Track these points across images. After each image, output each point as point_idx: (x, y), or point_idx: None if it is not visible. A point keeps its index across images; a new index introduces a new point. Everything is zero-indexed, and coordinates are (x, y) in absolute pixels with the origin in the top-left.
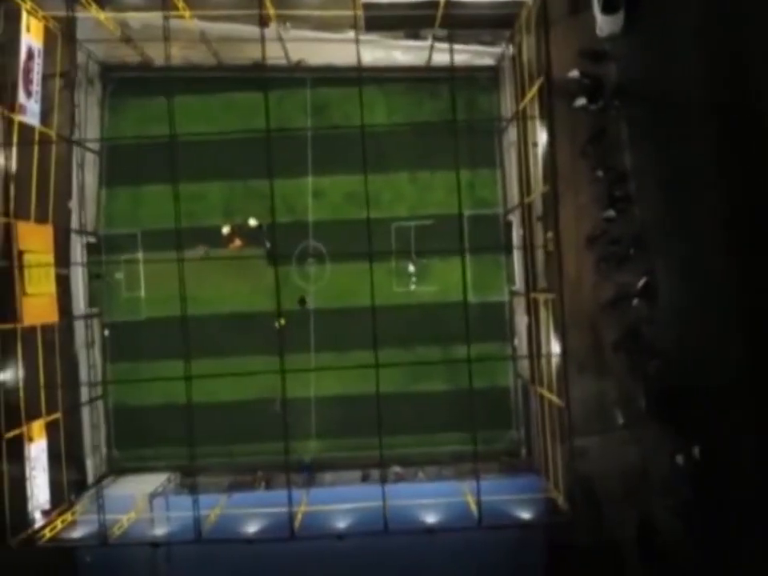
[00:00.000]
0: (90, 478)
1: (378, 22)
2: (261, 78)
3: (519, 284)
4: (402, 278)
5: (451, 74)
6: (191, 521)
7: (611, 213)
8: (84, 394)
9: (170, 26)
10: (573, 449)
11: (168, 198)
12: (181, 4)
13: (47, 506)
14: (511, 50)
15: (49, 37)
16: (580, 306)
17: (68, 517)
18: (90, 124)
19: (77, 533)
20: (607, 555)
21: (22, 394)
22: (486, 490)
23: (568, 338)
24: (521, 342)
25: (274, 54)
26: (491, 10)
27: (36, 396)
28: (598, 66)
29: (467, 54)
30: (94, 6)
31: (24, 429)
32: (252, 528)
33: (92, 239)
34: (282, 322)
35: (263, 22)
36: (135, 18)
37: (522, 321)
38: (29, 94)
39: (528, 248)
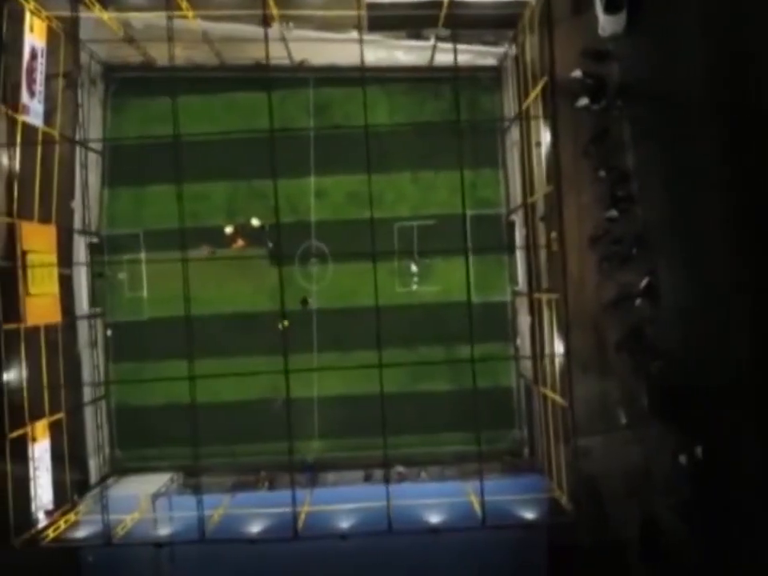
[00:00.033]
0: (93, 479)
1: (381, 22)
2: (263, 77)
3: (522, 284)
4: (405, 278)
5: (455, 74)
6: (194, 521)
7: (614, 213)
8: (87, 394)
9: (173, 26)
10: (576, 448)
11: (170, 198)
12: (184, 4)
13: (50, 507)
14: (514, 50)
15: (52, 37)
16: (583, 306)
17: (71, 517)
18: (93, 124)
19: (80, 533)
20: (610, 555)
21: (25, 394)
22: (489, 489)
23: (571, 338)
24: (523, 342)
25: (277, 54)
26: (494, 10)
27: (39, 396)
28: (600, 66)
29: (470, 54)
30: (97, 6)
31: (28, 429)
32: (255, 528)
33: (94, 239)
34: (286, 323)
35: (266, 21)
36: (138, 18)
37: (524, 321)
38: (32, 93)
39: (531, 248)
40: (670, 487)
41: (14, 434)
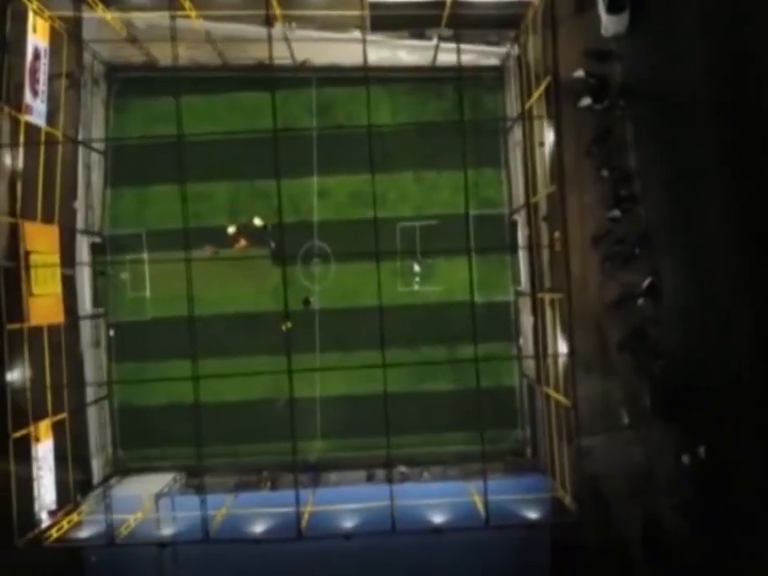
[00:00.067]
0: (96, 479)
1: (384, 22)
2: (266, 77)
3: (524, 284)
4: (407, 278)
5: (458, 74)
6: (198, 521)
7: (616, 212)
8: (90, 394)
9: (176, 26)
10: (579, 448)
11: (173, 198)
12: (187, 4)
13: (53, 507)
14: (516, 49)
15: (55, 37)
16: (585, 306)
17: (74, 517)
18: (95, 124)
19: (83, 533)
20: (613, 555)
21: (29, 394)
22: (491, 489)
23: (574, 338)
24: (526, 341)
25: (279, 54)
26: (497, 10)
27: (42, 396)
28: (603, 66)
29: (472, 54)
30: (100, 5)
31: (31, 429)
32: (259, 528)
33: (97, 239)
34: (289, 324)
35: (269, 22)
36: (140, 18)
37: (527, 321)
38: (35, 93)
39: (534, 248)
40: (673, 487)
41: (18, 434)
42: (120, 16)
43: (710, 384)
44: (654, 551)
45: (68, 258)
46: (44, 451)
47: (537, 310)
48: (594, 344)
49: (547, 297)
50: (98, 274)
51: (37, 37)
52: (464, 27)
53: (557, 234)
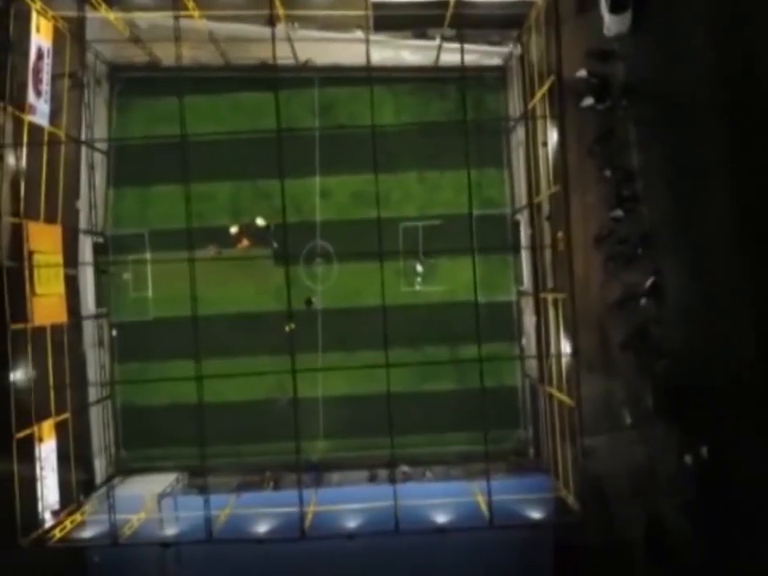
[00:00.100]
0: (98, 479)
1: (387, 22)
2: (268, 77)
3: (527, 284)
4: (410, 278)
5: (462, 74)
6: (201, 521)
7: (619, 212)
8: (92, 394)
9: (179, 26)
10: (583, 448)
11: (175, 198)
12: (191, 4)
13: (56, 507)
14: (519, 49)
15: (58, 37)
16: (588, 306)
17: (77, 517)
18: (98, 124)
19: (86, 533)
20: (616, 555)
21: (33, 394)
22: (494, 489)
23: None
24: (528, 341)
25: (282, 54)
26: (500, 10)
27: (45, 396)
28: (605, 66)
29: (475, 54)
30: (103, 5)
31: (34, 429)
32: (262, 528)
33: (100, 239)
34: (293, 326)
35: (272, 22)
36: (143, 18)
37: (529, 320)
38: (38, 93)
39: (537, 248)
40: (675, 487)
41: (21, 434)
42: (123, 16)
43: (713, 384)
44: (657, 551)
45: (71, 257)
46: (47, 451)
47: (539, 309)
48: (596, 344)
49: (550, 297)
50: (100, 272)
51: (40, 37)
52: (467, 27)
53: (560, 234)
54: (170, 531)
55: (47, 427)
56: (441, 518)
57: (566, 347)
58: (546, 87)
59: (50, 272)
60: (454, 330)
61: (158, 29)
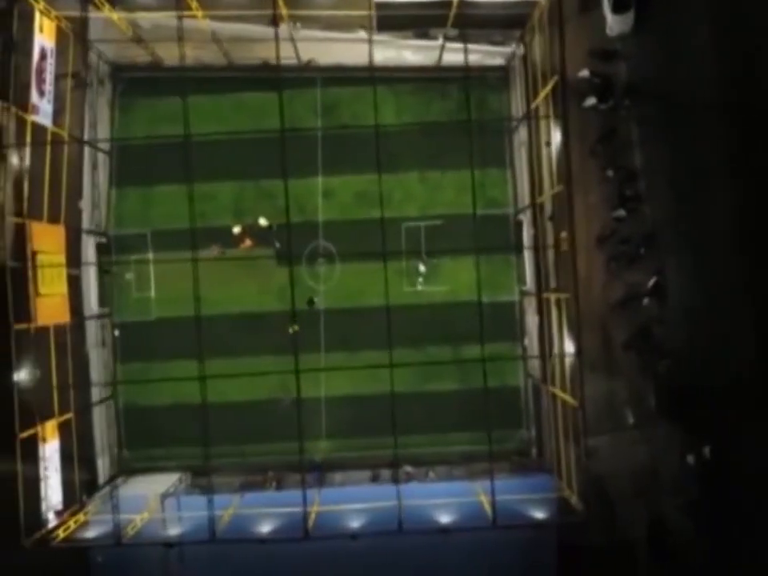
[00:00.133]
0: (101, 479)
1: (390, 22)
2: (271, 77)
3: (530, 284)
4: (412, 278)
5: (465, 74)
6: (204, 521)
7: (621, 212)
8: (95, 394)
9: (182, 26)
10: (586, 448)
11: (178, 198)
12: (194, 4)
13: (60, 507)
14: (522, 49)
15: (61, 37)
16: (590, 306)
17: (80, 517)
18: (101, 124)
19: (90, 533)
20: (619, 555)
21: (36, 394)
22: (498, 489)
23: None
24: (531, 341)
25: (284, 54)
26: (503, 10)
27: (48, 396)
28: (608, 66)
29: (478, 54)
30: (106, 6)
31: (38, 429)
32: (265, 528)
33: (102, 239)
34: (296, 327)
35: (275, 22)
36: (146, 18)
37: (532, 320)
38: (41, 93)
39: (540, 248)
40: (678, 487)
41: (25, 434)
42: (126, 16)
43: (715, 384)
44: (659, 551)
45: (74, 257)
46: (50, 451)
47: (542, 309)
48: (599, 344)
49: (553, 297)
50: (103, 272)
51: (43, 37)
52: (469, 27)
53: (563, 234)
54: (173, 531)
55: (50, 427)
56: (444, 518)
57: (569, 347)
58: (548, 87)
59: (53, 272)
60: (457, 330)
61: (160, 29)
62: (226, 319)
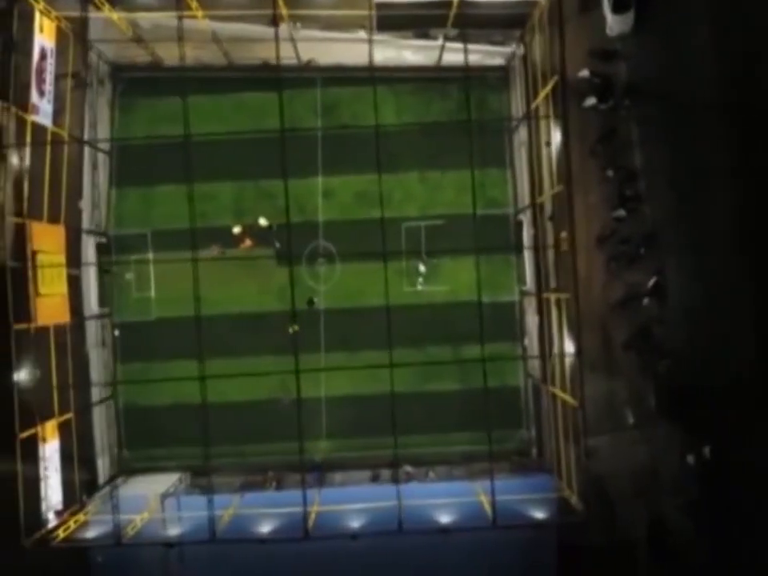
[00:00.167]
0: (101, 479)
1: (390, 22)
2: (271, 77)
3: (530, 284)
4: (413, 279)
5: (465, 74)
6: (204, 521)
7: (621, 212)
8: (95, 394)
9: (182, 26)
10: (586, 448)
11: (178, 198)
12: (194, 4)
13: (60, 507)
14: (522, 49)
15: (61, 37)
16: (590, 306)
17: (80, 517)
18: (101, 124)
19: (90, 533)
20: (619, 555)
21: (36, 394)
22: (498, 489)
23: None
24: (531, 341)
25: (284, 54)
26: (503, 10)
27: (49, 396)
28: (608, 66)
29: (478, 54)
30: (106, 6)
31: (38, 429)
32: (265, 528)
33: (102, 239)
34: (296, 327)
35: (275, 22)
36: (146, 18)
37: (532, 320)
38: (41, 93)
39: (540, 248)
40: (678, 487)
41: (25, 434)
42: (126, 16)
43: (715, 384)
44: (660, 551)
45: (74, 257)
46: (50, 451)
47: (542, 309)
48: (599, 344)
49: (553, 297)
50: (103, 272)
51: (43, 37)
52: (469, 27)
53: (563, 234)
54: (173, 531)
55: (50, 427)
56: (444, 518)
57: (569, 347)
58: (548, 87)
59: (53, 272)
60: (457, 330)
61: (160, 29)
62: (226, 319)
